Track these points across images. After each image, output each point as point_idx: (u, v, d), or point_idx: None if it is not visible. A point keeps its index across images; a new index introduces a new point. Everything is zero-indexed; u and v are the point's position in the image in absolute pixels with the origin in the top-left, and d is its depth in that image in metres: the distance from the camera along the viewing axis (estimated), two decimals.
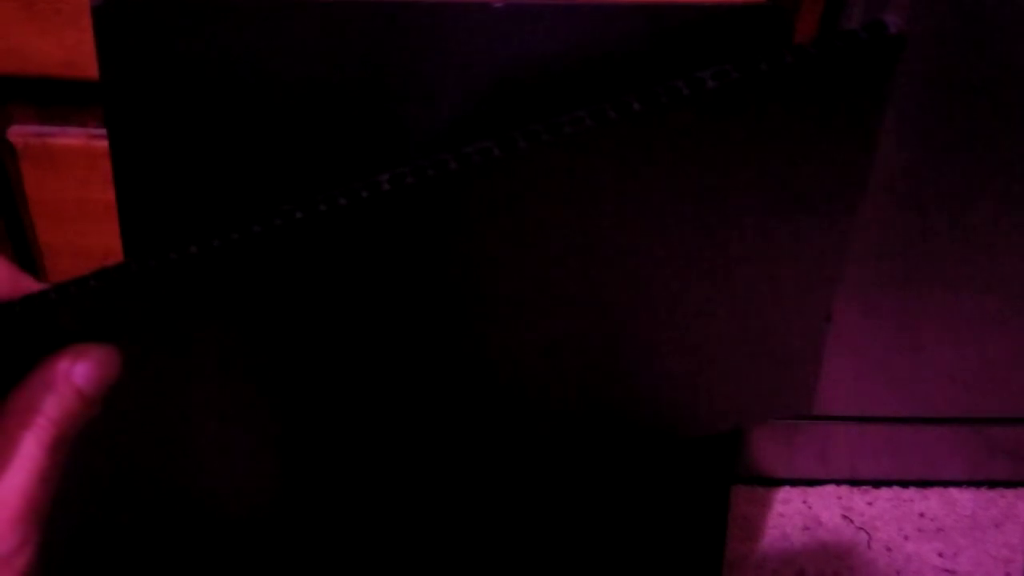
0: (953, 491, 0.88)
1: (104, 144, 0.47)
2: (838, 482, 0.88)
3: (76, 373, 0.30)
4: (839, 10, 0.59)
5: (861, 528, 0.85)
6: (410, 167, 0.29)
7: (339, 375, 0.37)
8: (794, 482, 0.88)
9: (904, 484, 0.88)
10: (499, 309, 0.36)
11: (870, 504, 0.87)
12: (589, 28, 0.46)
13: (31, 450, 0.28)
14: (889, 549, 0.83)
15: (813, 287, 0.38)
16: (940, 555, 0.83)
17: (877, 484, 0.88)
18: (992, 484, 0.88)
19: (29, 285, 0.31)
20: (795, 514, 0.86)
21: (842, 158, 0.33)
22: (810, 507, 0.86)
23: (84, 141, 0.60)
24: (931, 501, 0.87)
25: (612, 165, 0.31)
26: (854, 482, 0.88)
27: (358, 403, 0.38)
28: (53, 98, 0.60)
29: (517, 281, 0.35)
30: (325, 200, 0.29)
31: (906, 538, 0.84)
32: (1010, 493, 0.88)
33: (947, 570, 0.82)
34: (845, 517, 0.86)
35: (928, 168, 0.67)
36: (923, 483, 0.88)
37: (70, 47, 0.56)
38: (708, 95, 0.28)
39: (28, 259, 0.66)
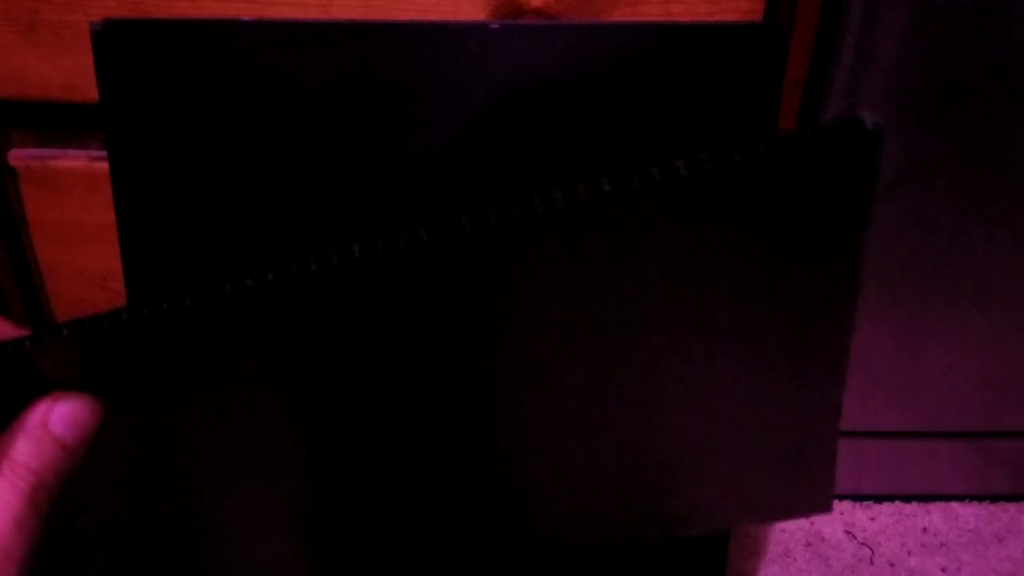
0: (956, 505, 0.87)
1: (104, 167, 0.47)
2: (840, 497, 0.88)
3: (53, 421, 0.30)
4: (833, 29, 0.59)
5: (864, 544, 0.85)
6: (366, 240, 0.29)
7: (328, 429, 0.36)
8: None
9: (907, 499, 0.88)
10: (485, 394, 0.36)
11: (872, 519, 0.87)
12: (586, 47, 0.47)
13: (7, 498, 0.28)
14: (892, 564, 0.83)
15: (817, 385, 0.38)
16: (943, 570, 0.82)
17: (879, 499, 0.88)
18: (995, 498, 0.88)
19: (6, 331, 0.31)
20: (797, 530, 0.85)
21: (831, 257, 0.32)
22: (812, 523, 0.86)
23: (84, 164, 0.60)
24: (934, 516, 0.87)
25: (583, 248, 0.30)
26: (856, 497, 0.88)
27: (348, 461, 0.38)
28: (53, 122, 0.60)
29: (497, 366, 0.34)
30: (276, 271, 0.29)
31: (909, 553, 0.84)
32: (1013, 507, 0.87)
33: None
34: (848, 532, 0.86)
35: (930, 182, 0.68)
36: (926, 498, 0.88)
37: (70, 71, 0.56)
38: (681, 183, 0.28)
39: (29, 281, 0.66)
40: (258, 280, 0.29)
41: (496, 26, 0.46)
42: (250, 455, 0.36)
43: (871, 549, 0.84)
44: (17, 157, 0.60)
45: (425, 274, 0.30)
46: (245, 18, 0.47)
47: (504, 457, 0.38)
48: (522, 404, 0.36)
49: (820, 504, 0.42)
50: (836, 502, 0.87)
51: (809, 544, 0.84)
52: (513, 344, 0.33)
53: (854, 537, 0.85)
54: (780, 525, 0.85)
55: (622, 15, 0.54)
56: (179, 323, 0.29)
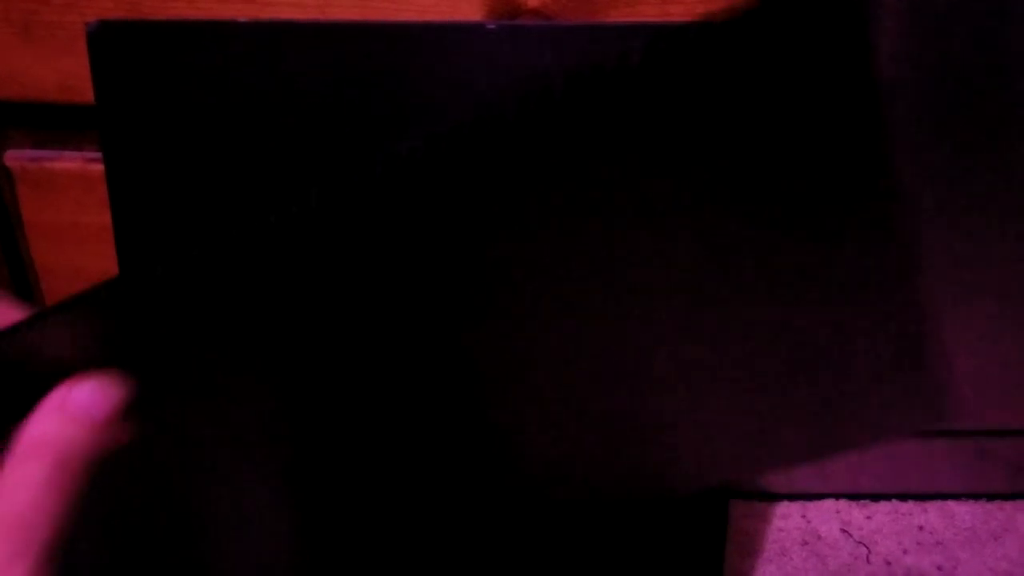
0: (952, 504, 0.88)
1: (100, 168, 0.47)
2: (837, 496, 0.88)
3: (75, 400, 0.29)
4: None
5: (860, 542, 0.85)
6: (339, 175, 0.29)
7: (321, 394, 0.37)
8: (793, 496, 0.88)
9: (903, 497, 0.88)
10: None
11: (869, 518, 0.87)
12: (583, 48, 0.46)
13: (35, 480, 0.28)
14: (888, 563, 0.83)
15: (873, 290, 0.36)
16: (939, 568, 0.82)
17: (876, 498, 0.88)
18: (991, 497, 0.88)
19: (10, 315, 0.31)
20: (794, 529, 0.86)
21: (842, 136, 0.31)
22: (809, 521, 0.86)
23: (80, 165, 0.60)
24: (930, 514, 0.87)
25: (583, 249, 0.30)
26: (853, 496, 0.88)
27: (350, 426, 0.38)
28: (49, 123, 0.60)
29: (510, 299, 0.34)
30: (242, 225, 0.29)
31: (905, 552, 0.84)
32: (1009, 505, 0.88)
33: None
34: (844, 531, 0.86)
35: (930, 182, 0.67)
36: (922, 496, 0.88)
37: (66, 72, 0.56)
38: (634, 70, 0.27)
39: (24, 281, 0.66)
40: (228, 240, 0.29)
41: (493, 27, 0.46)
42: (242, 440, 0.36)
43: (867, 547, 0.84)
44: (13, 158, 0.60)
45: (417, 260, 0.30)
46: (242, 19, 0.47)
47: (509, 414, 0.38)
48: (523, 378, 0.36)
49: (933, 415, 0.40)
50: (832, 500, 0.87)
51: (805, 542, 0.84)
52: (515, 328, 0.33)
53: (850, 535, 0.85)
54: (777, 524, 0.86)
55: (620, 16, 0.54)
56: (156, 295, 0.29)
